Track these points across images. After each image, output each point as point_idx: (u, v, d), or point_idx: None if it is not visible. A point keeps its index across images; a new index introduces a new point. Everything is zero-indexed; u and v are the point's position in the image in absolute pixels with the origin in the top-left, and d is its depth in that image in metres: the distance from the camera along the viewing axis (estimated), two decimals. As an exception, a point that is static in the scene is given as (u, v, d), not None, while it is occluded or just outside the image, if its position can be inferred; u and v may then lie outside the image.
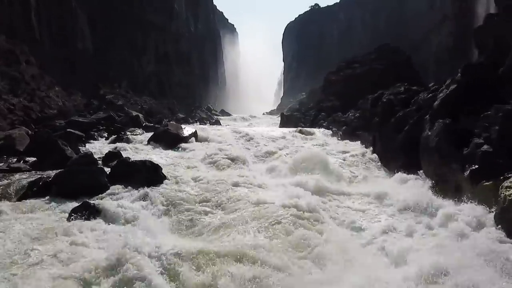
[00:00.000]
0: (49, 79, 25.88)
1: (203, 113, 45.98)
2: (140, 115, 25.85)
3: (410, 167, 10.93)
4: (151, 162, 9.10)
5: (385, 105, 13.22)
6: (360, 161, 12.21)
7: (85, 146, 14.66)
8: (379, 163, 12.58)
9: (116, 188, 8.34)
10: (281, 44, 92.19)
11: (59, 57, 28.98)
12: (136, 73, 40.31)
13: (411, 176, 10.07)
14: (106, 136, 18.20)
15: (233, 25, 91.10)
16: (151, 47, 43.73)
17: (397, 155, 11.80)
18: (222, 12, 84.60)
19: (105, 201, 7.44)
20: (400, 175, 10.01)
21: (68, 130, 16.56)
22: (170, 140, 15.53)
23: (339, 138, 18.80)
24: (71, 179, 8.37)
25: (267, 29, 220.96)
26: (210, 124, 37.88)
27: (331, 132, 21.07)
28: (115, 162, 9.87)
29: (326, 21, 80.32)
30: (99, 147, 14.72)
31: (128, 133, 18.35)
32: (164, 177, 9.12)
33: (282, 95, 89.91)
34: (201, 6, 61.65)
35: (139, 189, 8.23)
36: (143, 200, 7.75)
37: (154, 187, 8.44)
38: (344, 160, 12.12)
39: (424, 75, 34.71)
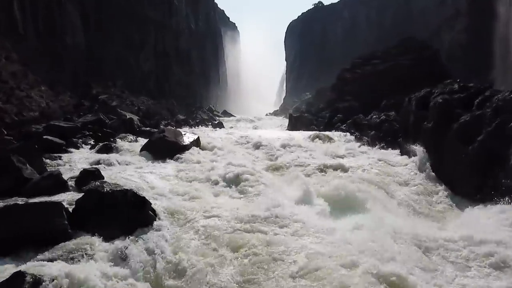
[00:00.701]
0: (33, 77, 22.81)
1: (205, 114, 42.96)
2: (135, 118, 22.82)
3: (490, 192, 7.98)
4: (134, 195, 6.04)
5: (442, 107, 10.18)
6: (420, 183, 9.11)
7: (61, 159, 11.62)
8: (440, 183, 9.56)
9: (80, 238, 5.34)
10: (283, 43, 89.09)
11: (46, 53, 25.88)
12: (133, 71, 37.24)
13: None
14: (93, 143, 15.13)
15: (234, 23, 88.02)
16: (149, 44, 40.62)
17: (468, 175, 8.81)
18: (223, 10, 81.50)
19: (53, 272, 4.41)
20: (496, 208, 6.96)
21: (44, 137, 13.58)
22: (167, 150, 12.53)
23: (366, 145, 15.75)
24: (10, 223, 5.36)
25: (269, 28, 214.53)
26: (212, 127, 34.93)
27: (354, 137, 18.03)
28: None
29: (330, 19, 77.26)
30: (78, 160, 11.67)
31: (118, 140, 15.28)
32: (154, 215, 6.14)
33: (284, 95, 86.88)
34: (201, 3, 58.54)
35: (114, 240, 5.25)
36: (119, 265, 4.76)
37: (138, 235, 5.45)
38: (413, 190, 8.81)
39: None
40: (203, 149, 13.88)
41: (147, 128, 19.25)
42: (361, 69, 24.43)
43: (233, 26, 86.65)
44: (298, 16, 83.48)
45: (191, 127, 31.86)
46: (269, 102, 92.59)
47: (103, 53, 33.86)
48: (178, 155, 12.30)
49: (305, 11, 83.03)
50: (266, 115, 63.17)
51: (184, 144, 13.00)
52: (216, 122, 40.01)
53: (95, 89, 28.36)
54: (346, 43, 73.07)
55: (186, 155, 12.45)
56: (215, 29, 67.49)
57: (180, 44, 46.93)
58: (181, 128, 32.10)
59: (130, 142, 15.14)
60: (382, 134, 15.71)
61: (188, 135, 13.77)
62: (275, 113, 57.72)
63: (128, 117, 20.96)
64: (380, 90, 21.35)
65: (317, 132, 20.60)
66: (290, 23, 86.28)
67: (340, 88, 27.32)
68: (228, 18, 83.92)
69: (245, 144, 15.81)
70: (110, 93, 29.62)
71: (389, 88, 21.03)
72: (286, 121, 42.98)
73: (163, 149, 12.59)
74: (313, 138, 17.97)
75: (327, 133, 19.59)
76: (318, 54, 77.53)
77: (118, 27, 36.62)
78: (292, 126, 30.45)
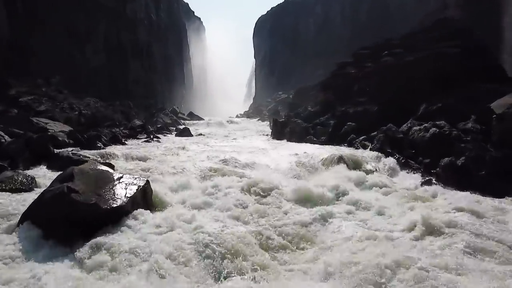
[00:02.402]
0: None
1: (167, 118, 35.49)
2: (65, 130, 15.33)
3: None
4: None
5: None
6: None
7: None
8: None
9: None
10: (251, 39, 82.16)
11: None
12: (78, 67, 29.20)
13: None
14: None
15: (199, 18, 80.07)
16: (99, 34, 32.61)
17: None
18: (187, 4, 73.43)
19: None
20: None
21: None
22: (74, 223, 5.47)
23: (437, 183, 9.17)
24: None
25: (236, 23, 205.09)
26: (176, 135, 27.75)
27: (395, 161, 11.45)
28: None
29: (302, 14, 71.18)
30: None
31: (-5, 184, 7.84)
32: None
33: (254, 94, 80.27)
34: (163, -8, 50.64)
35: None
36: None
37: None
38: None
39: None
40: (156, 206, 6.83)
41: (70, 151, 11.67)
42: (374, 62, 17.98)
43: (198, 21, 78.85)
44: (268, 11, 76.84)
45: (150, 137, 24.53)
46: (238, 101, 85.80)
47: (34, 43, 25.76)
48: (101, 237, 5.25)
49: (274, 5, 76.50)
50: (237, 116, 56.24)
51: (113, 206, 5.86)
52: (181, 127, 32.69)
53: (15, 89, 20.38)
54: (319, 39, 67.19)
55: (119, 235, 5.41)
56: (178, 22, 59.63)
57: (139, 36, 39.04)
58: (137, 138, 24.68)
59: (17, 188, 7.75)
60: (462, 163, 9.17)
61: (125, 181, 6.55)
62: (247, 115, 50.86)
63: (49, 131, 13.37)
64: (410, 90, 14.93)
65: (334, 149, 13.88)
66: (259, 18, 79.59)
67: (340, 87, 20.82)
68: (193, 12, 76.01)
69: (233, 180, 8.78)
70: (40, 94, 21.67)
71: (422, 87, 14.66)
72: (263, 124, 36.29)
73: (66, 221, 5.48)
74: (333, 161, 11.29)
75: (349, 152, 12.89)
76: (290, 50, 71.31)
77: (57, 14, 28.57)
78: (278, 134, 23.77)
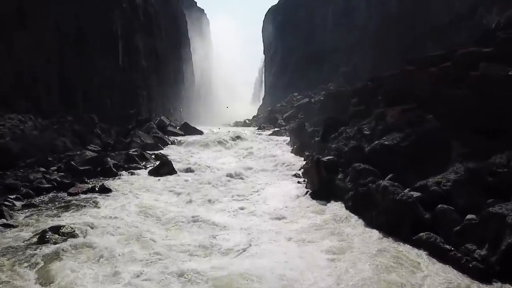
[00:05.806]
0: None
1: (149, 136, 23.93)
2: None
3: None
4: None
5: None
6: None
7: None
8: None
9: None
10: (261, 32, 70.21)
11: None
12: (-1, 66, 17.87)
13: None
14: None
15: (202, 9, 68.30)
16: (44, 19, 21.16)
17: None
18: (188, -7, 61.79)
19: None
20: None
21: None
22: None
23: None
24: None
25: (243, 15, 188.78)
26: (150, 173, 16.48)
27: None
28: None
29: (318, 3, 59.11)
30: None
31: None
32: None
33: (263, 94, 68.67)
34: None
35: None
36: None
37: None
38: None
39: None
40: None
41: None
42: None
43: (201, 13, 67.05)
44: (279, 1, 64.70)
45: (97, 188, 13.09)
46: (245, 101, 74.35)
47: None
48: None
49: (287, -6, 64.17)
50: (245, 123, 44.78)
51: None
52: (164, 154, 21.25)
53: None
54: (339, 32, 55.03)
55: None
56: (176, 11, 47.92)
57: (112, 23, 27.41)
58: (68, 193, 13.25)
59: None
60: None
61: None
62: (258, 123, 39.11)
63: None
64: None
65: None
66: (269, 8, 67.55)
67: (460, 107, 9.15)
68: (195, 2, 64.24)
69: None
70: None
71: None
72: (283, 144, 24.74)
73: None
74: None
75: None
76: (304, 45, 59.31)
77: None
78: (323, 186, 12.29)
